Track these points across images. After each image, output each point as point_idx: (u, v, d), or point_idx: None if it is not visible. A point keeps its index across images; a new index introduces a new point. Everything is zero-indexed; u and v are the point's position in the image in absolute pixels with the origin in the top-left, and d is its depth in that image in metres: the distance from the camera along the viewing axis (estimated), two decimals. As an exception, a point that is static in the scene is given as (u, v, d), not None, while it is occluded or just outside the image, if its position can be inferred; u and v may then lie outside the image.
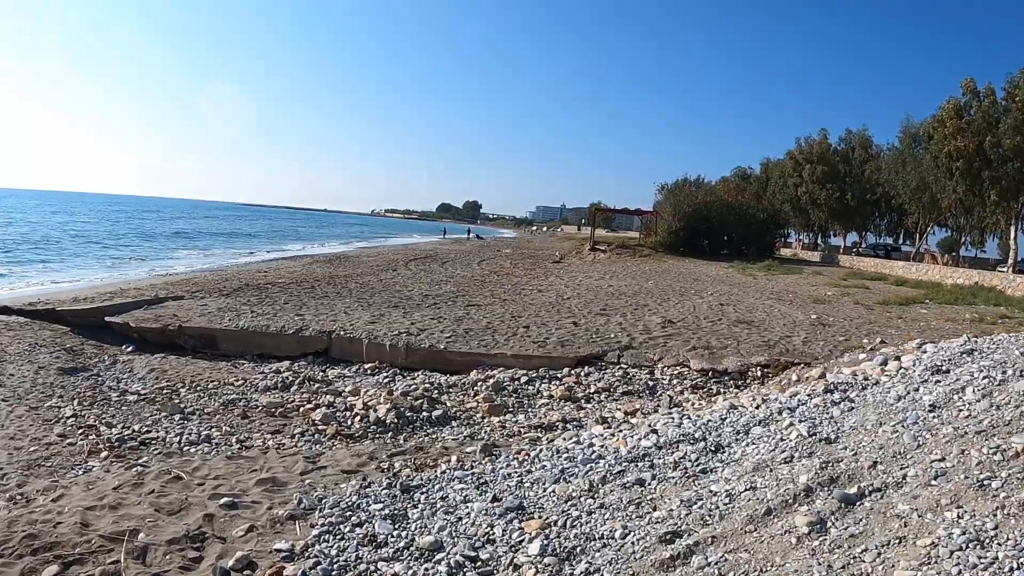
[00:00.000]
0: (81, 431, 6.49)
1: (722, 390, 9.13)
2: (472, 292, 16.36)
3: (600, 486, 4.43)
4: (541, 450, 5.42)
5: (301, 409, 7.70)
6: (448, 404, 8.28)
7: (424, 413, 7.81)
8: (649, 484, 4.43)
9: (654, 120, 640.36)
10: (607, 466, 4.76)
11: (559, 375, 9.49)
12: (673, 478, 4.49)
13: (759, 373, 9.45)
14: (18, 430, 6.39)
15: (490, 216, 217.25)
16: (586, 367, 9.83)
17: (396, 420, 7.52)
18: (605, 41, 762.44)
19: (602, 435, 5.81)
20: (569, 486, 4.46)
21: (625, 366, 9.89)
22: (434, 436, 7.30)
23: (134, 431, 6.60)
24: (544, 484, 4.57)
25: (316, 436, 7.00)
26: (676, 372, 9.71)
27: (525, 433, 7.40)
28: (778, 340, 10.91)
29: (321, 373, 9.41)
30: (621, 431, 6.09)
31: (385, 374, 9.46)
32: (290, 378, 8.89)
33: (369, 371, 9.64)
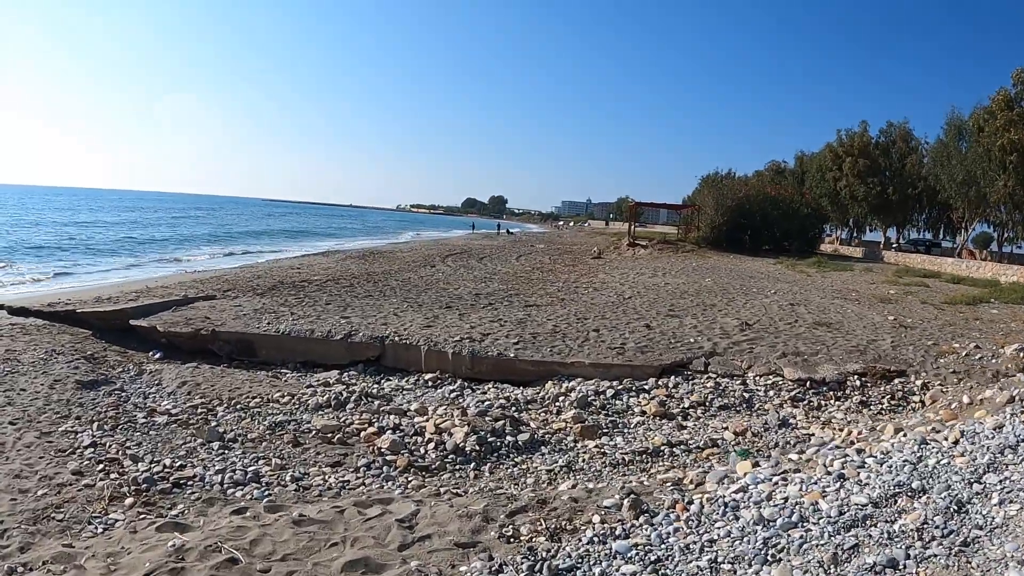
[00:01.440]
0: (101, 466, 5.24)
1: (823, 403, 8.08)
2: (524, 291, 15.03)
3: (835, 569, 3.08)
4: (701, 503, 4.08)
5: (362, 433, 6.44)
6: (532, 425, 7.00)
7: (508, 437, 6.56)
8: (906, 566, 3.07)
9: (674, 115, 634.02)
10: (826, 535, 3.40)
11: (646, 386, 8.39)
12: (936, 557, 3.13)
13: (858, 383, 8.45)
14: (25, 465, 5.16)
15: (516, 211, 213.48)
16: (672, 377, 8.68)
17: (477, 447, 6.27)
18: (607, 41, 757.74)
19: (771, 479, 4.45)
20: (790, 568, 3.11)
21: (714, 375, 8.76)
22: (524, 467, 6.08)
23: (165, 467, 5.32)
24: (747, 563, 3.22)
25: (385, 469, 5.78)
26: (770, 382, 8.64)
27: (630, 461, 6.21)
28: (866, 345, 9.83)
29: (376, 386, 8.16)
30: (782, 471, 4.75)
31: (450, 387, 8.20)
32: (344, 394, 7.61)
33: (430, 383, 8.40)
